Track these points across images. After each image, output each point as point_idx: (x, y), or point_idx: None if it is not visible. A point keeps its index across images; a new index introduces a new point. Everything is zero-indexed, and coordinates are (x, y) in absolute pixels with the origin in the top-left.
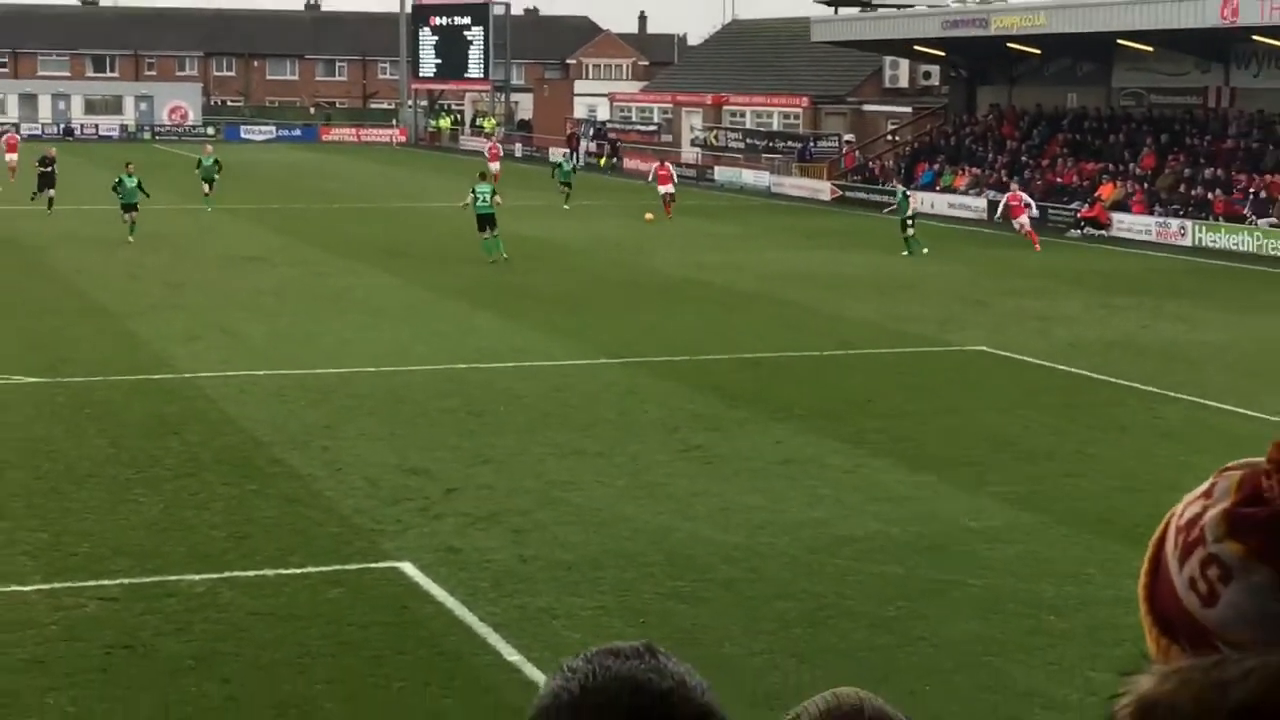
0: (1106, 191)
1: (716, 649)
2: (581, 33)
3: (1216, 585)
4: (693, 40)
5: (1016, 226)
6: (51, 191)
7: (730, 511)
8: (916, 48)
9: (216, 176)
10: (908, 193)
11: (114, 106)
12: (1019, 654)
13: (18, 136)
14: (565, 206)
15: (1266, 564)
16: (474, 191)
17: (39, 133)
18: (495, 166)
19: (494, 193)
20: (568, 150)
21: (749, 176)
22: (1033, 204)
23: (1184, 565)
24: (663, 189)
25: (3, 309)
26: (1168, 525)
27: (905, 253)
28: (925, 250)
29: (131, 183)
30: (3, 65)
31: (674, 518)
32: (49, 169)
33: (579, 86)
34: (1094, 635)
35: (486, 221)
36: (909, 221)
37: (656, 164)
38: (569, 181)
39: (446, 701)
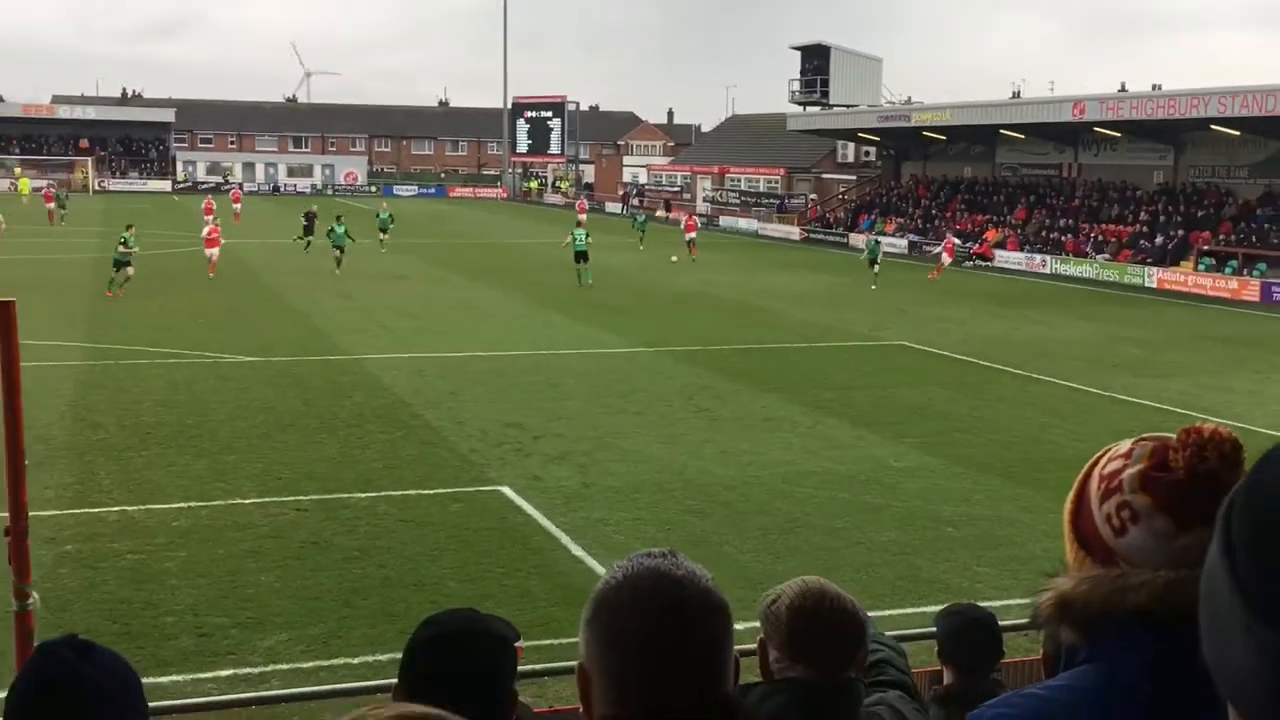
0: (991, 235)
1: (719, 549)
2: (628, 122)
3: (1127, 523)
4: (705, 128)
5: (943, 259)
6: (310, 237)
7: (728, 454)
8: (859, 134)
9: (391, 226)
10: (879, 239)
11: (306, 171)
12: (927, 554)
13: (240, 191)
14: (640, 247)
15: (1164, 514)
16: (572, 234)
17: (256, 189)
18: (583, 217)
19: (588, 235)
20: (637, 205)
21: (743, 223)
22: (955, 248)
23: (1103, 504)
24: (689, 235)
25: (233, 312)
26: (1091, 471)
27: (873, 286)
28: (874, 288)
29: (340, 229)
30: (233, 143)
31: (689, 457)
32: (310, 221)
33: (626, 160)
34: (979, 542)
35: (581, 256)
36: (876, 262)
37: (686, 216)
38: (643, 230)
39: (533, 582)
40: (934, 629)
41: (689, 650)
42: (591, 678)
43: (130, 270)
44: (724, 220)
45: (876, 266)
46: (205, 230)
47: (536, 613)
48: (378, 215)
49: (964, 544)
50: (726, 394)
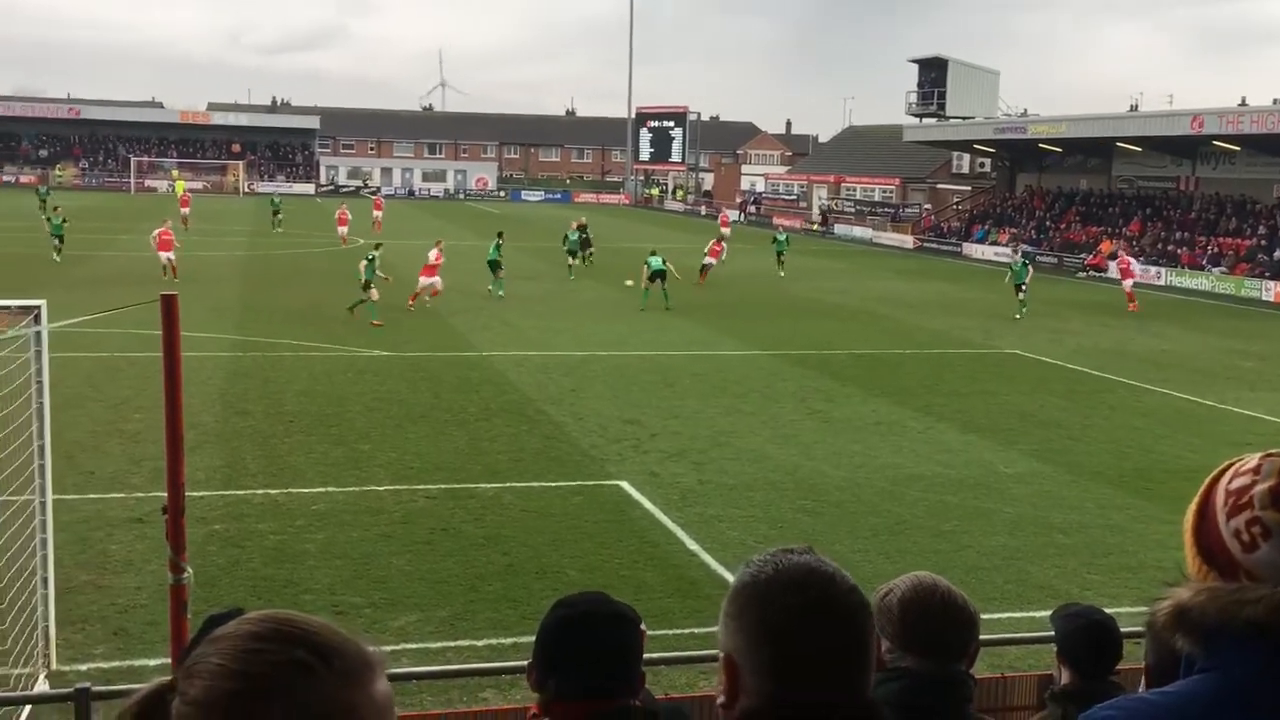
0: (1105, 246)
1: (830, 548)
2: (747, 132)
3: (1258, 539)
4: (823, 139)
5: (1126, 285)
6: (590, 250)
7: (840, 455)
8: (975, 145)
9: (582, 250)
10: (1028, 262)
11: (440, 176)
12: (1036, 559)
13: (382, 199)
14: (781, 274)
15: None
16: (646, 263)
17: (392, 193)
18: (727, 231)
19: (664, 260)
20: (753, 211)
21: (857, 231)
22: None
23: (1231, 519)
24: (708, 260)
25: (381, 309)
26: (1215, 485)
27: (1017, 315)
28: (1018, 317)
29: (493, 241)
30: (373, 149)
31: (801, 458)
32: (586, 234)
33: (744, 169)
34: (1089, 549)
35: (659, 276)
36: (1023, 286)
37: (714, 241)
38: (783, 251)
39: (649, 574)
40: (1046, 633)
41: (839, 646)
42: (738, 669)
43: (374, 294)
44: (838, 228)
45: (1022, 293)
46: (342, 230)
47: (652, 603)
48: (565, 238)
49: (1074, 551)
50: (839, 397)
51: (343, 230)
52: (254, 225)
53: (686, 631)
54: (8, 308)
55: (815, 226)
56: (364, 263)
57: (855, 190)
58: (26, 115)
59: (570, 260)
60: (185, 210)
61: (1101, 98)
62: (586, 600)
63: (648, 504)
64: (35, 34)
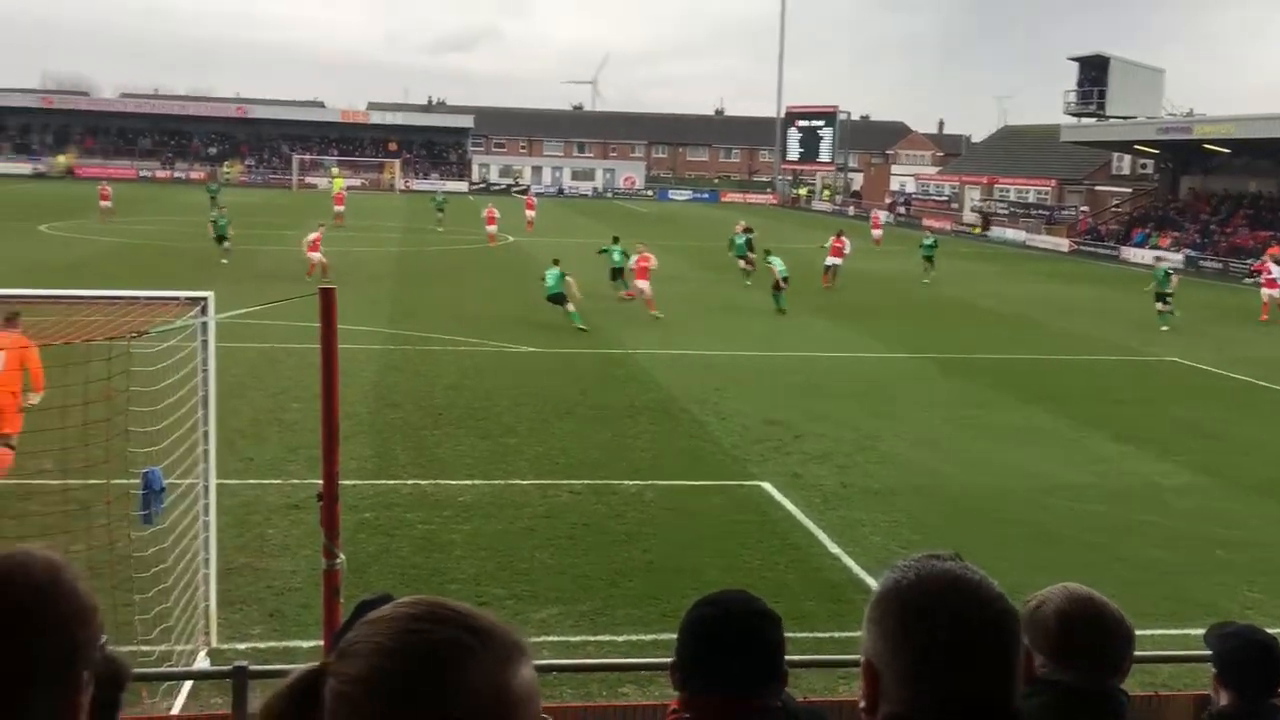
0: (1274, 251)
1: (974, 556)
2: (897, 132)
3: None
4: (976, 139)
5: (1264, 296)
6: (750, 254)
7: (987, 462)
8: (1136, 146)
9: (749, 254)
10: (1170, 271)
11: (589, 175)
12: (1194, 576)
13: (534, 199)
14: (926, 280)
15: None
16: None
17: (542, 191)
18: (878, 233)
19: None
20: (903, 213)
21: (1010, 233)
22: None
23: None
24: (831, 260)
25: (519, 305)
26: None
27: (1163, 327)
28: (1164, 329)
29: (617, 249)
30: (524, 148)
31: (948, 464)
32: (751, 237)
33: (894, 169)
34: (1252, 567)
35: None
36: (1166, 297)
37: (834, 236)
38: (931, 256)
39: (790, 576)
40: (1203, 651)
41: (986, 654)
42: (880, 675)
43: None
44: (991, 230)
45: (1167, 303)
46: (489, 227)
47: (792, 605)
48: (732, 242)
49: (1235, 568)
50: (987, 402)
51: (491, 229)
52: (408, 222)
53: (827, 635)
54: (177, 299)
55: (975, 229)
56: (550, 274)
57: (1009, 191)
58: (197, 114)
59: (741, 264)
60: (339, 208)
61: (1271, 97)
62: (729, 599)
63: (789, 505)
64: (208, 35)
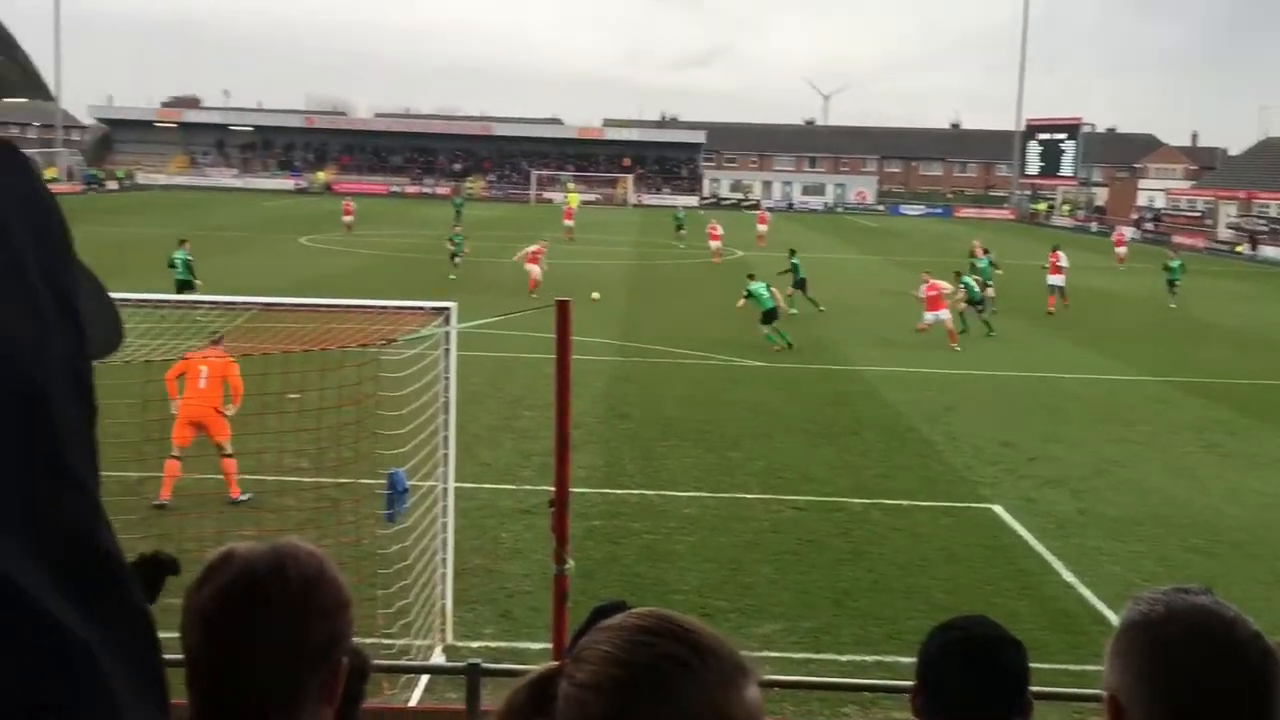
0: None
1: (1226, 591)
2: (1146, 145)
3: None
4: (1233, 151)
5: None
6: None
7: (1239, 493)
8: None
9: (997, 272)
10: None
11: (819, 190)
12: None
13: (767, 214)
14: (1171, 305)
15: None
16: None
17: (772, 206)
18: (1121, 250)
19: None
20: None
21: (1268, 251)
22: None
23: None
24: (1053, 280)
25: (746, 319)
26: None
27: None
28: None
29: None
30: (754, 163)
31: (1195, 493)
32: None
33: (1141, 183)
34: None
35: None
36: None
37: (1050, 252)
38: (1176, 279)
39: (1021, 604)
40: None
41: (1238, 695)
42: (1125, 710)
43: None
44: (1246, 248)
45: None
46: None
47: (1024, 634)
48: (972, 266)
49: None
50: (1241, 430)
51: (715, 245)
52: (640, 236)
53: (1061, 667)
54: (422, 309)
55: (1238, 248)
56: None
57: (1269, 207)
58: (444, 131)
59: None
60: (569, 223)
61: None
62: (975, 623)
63: (1022, 530)
64: (455, 55)
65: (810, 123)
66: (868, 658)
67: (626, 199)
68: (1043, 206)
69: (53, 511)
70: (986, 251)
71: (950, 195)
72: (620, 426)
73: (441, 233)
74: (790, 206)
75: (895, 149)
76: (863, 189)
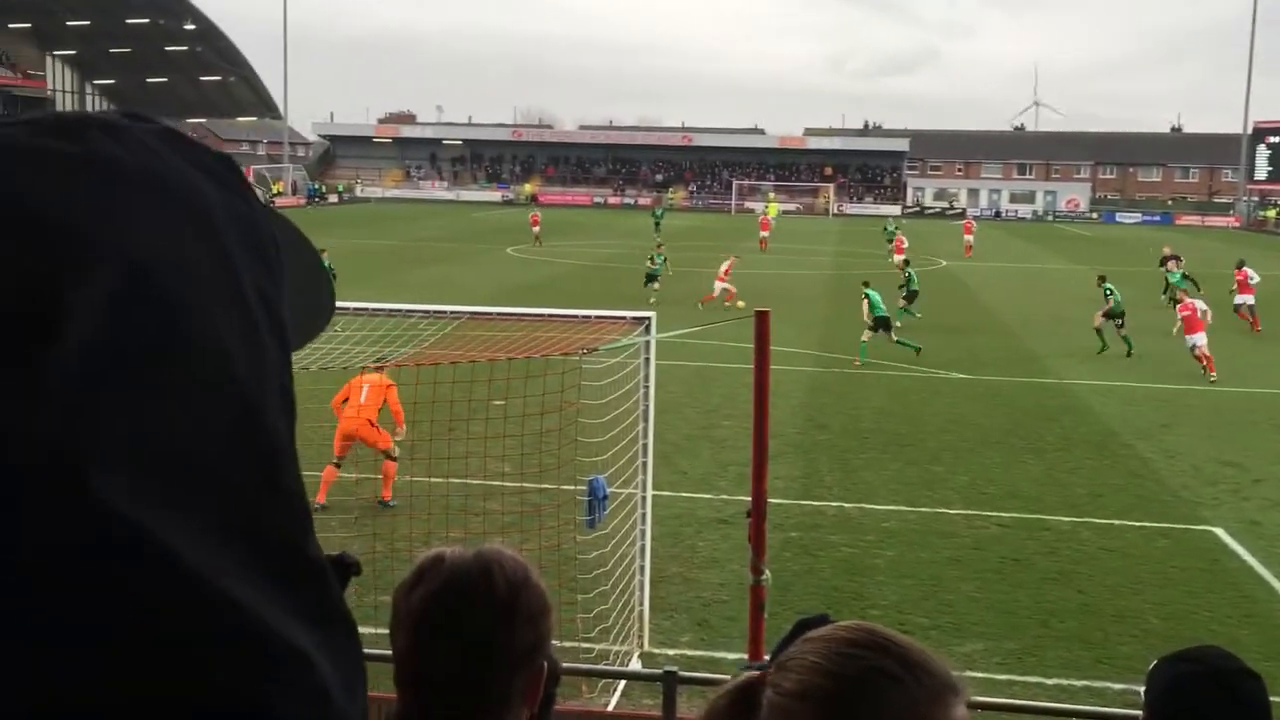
0: None
1: None
2: None
3: None
4: None
5: None
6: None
7: None
8: None
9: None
10: None
11: (1028, 198)
12: None
13: (973, 223)
14: None
15: None
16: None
17: (978, 214)
18: None
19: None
20: None
21: None
22: None
23: None
24: (1242, 298)
25: (951, 331)
26: None
27: None
28: None
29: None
30: (960, 170)
31: None
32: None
33: None
34: None
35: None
36: None
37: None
38: None
39: (1243, 632)
40: None
41: None
42: None
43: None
44: None
45: None
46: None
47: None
48: (1167, 282)
49: None
50: None
51: (898, 259)
52: (840, 245)
53: None
54: (623, 318)
55: None
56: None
57: None
58: (646, 143)
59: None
60: (764, 233)
61: None
62: (1210, 655)
63: (1246, 555)
64: (657, 67)
65: (1020, 128)
66: (1076, 682)
67: (828, 208)
68: (1272, 213)
69: (270, 523)
70: (1178, 261)
71: (1170, 202)
72: (818, 437)
73: (642, 243)
74: (998, 214)
75: (1110, 154)
76: (1075, 196)
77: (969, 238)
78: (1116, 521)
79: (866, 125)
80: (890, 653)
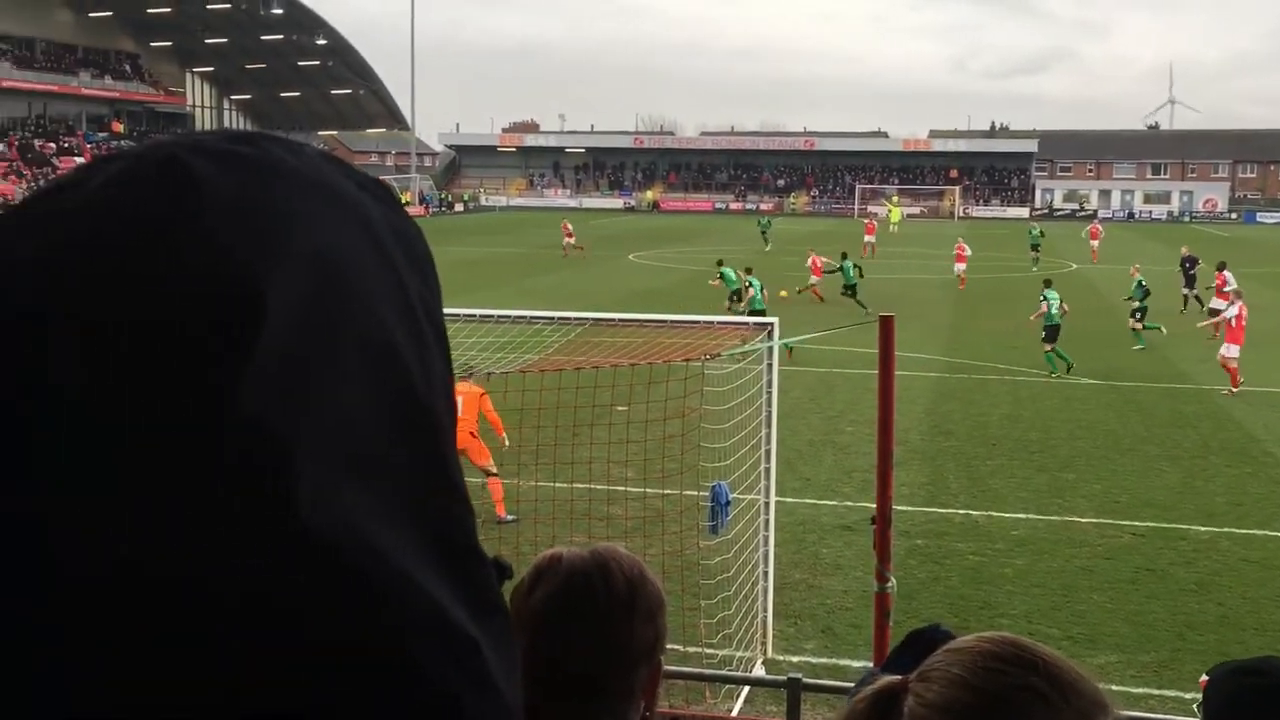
0: None
1: None
2: None
3: None
4: None
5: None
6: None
7: None
8: None
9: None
10: None
11: (1163, 198)
12: None
13: (1099, 227)
14: None
15: None
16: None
17: (1110, 216)
18: None
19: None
20: None
21: None
22: None
23: None
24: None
25: (1079, 337)
26: None
27: None
28: None
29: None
30: (1091, 171)
31: None
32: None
33: None
34: None
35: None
36: None
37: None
38: None
39: None
40: None
41: None
42: None
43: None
44: None
45: None
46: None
47: None
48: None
49: None
50: None
51: (959, 268)
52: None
53: None
54: (745, 324)
55: None
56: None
57: None
58: (768, 148)
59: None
60: (869, 238)
61: None
62: (1277, 667)
63: None
64: (780, 72)
65: (1154, 127)
66: None
67: (953, 211)
68: None
69: (445, 519)
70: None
71: None
72: (944, 444)
73: (749, 247)
74: (1131, 216)
75: (1251, 152)
76: (1213, 195)
77: (1095, 242)
78: (1258, 532)
79: (993, 126)
80: (1038, 670)
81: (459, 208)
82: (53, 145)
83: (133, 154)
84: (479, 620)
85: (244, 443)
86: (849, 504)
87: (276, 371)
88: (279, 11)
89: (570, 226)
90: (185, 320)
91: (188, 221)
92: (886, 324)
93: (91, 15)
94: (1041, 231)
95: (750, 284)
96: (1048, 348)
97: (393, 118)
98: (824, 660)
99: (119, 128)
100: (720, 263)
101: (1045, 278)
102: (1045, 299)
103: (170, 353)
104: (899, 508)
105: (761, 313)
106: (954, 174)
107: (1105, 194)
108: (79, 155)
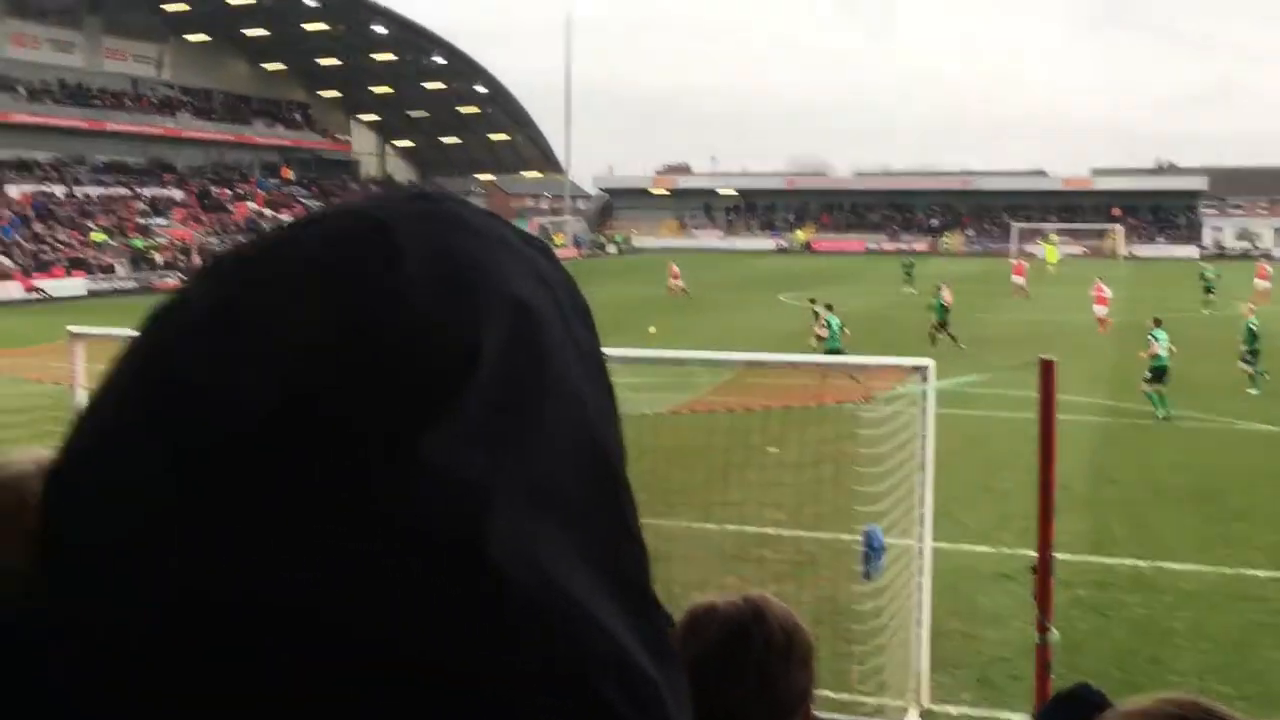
0: None
1: None
2: None
3: None
4: None
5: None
6: None
7: None
8: None
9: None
10: None
11: None
12: None
13: (1267, 266)
14: None
15: None
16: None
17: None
18: None
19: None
20: None
21: None
22: None
23: None
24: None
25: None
26: None
27: None
28: None
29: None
30: (1264, 209)
31: None
32: None
33: None
34: None
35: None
36: None
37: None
38: None
39: None
40: None
41: None
42: None
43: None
44: None
45: None
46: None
47: None
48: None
49: None
50: None
51: (1100, 311)
52: (1131, 291)
53: None
54: (900, 366)
55: None
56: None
57: None
58: (921, 188)
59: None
60: (1019, 279)
61: None
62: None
63: None
64: (935, 109)
65: None
66: None
67: (1116, 251)
68: None
69: (624, 563)
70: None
71: None
72: (1108, 491)
73: (911, 291)
74: None
75: None
76: None
77: (1263, 284)
78: None
79: (1159, 163)
80: None
81: (610, 249)
82: (228, 191)
83: (330, 216)
84: (657, 663)
85: (442, 485)
86: (1007, 551)
87: (479, 416)
88: (441, 60)
89: (677, 268)
90: (407, 368)
91: (398, 279)
92: (1047, 368)
93: (265, 66)
94: (1218, 273)
95: (828, 322)
96: (1150, 388)
97: (547, 161)
98: (981, 712)
99: (288, 174)
100: (830, 306)
101: (1155, 317)
102: (1154, 338)
103: (389, 404)
104: (1061, 556)
105: (839, 351)
106: (1117, 212)
107: (1279, 232)
108: (252, 200)
